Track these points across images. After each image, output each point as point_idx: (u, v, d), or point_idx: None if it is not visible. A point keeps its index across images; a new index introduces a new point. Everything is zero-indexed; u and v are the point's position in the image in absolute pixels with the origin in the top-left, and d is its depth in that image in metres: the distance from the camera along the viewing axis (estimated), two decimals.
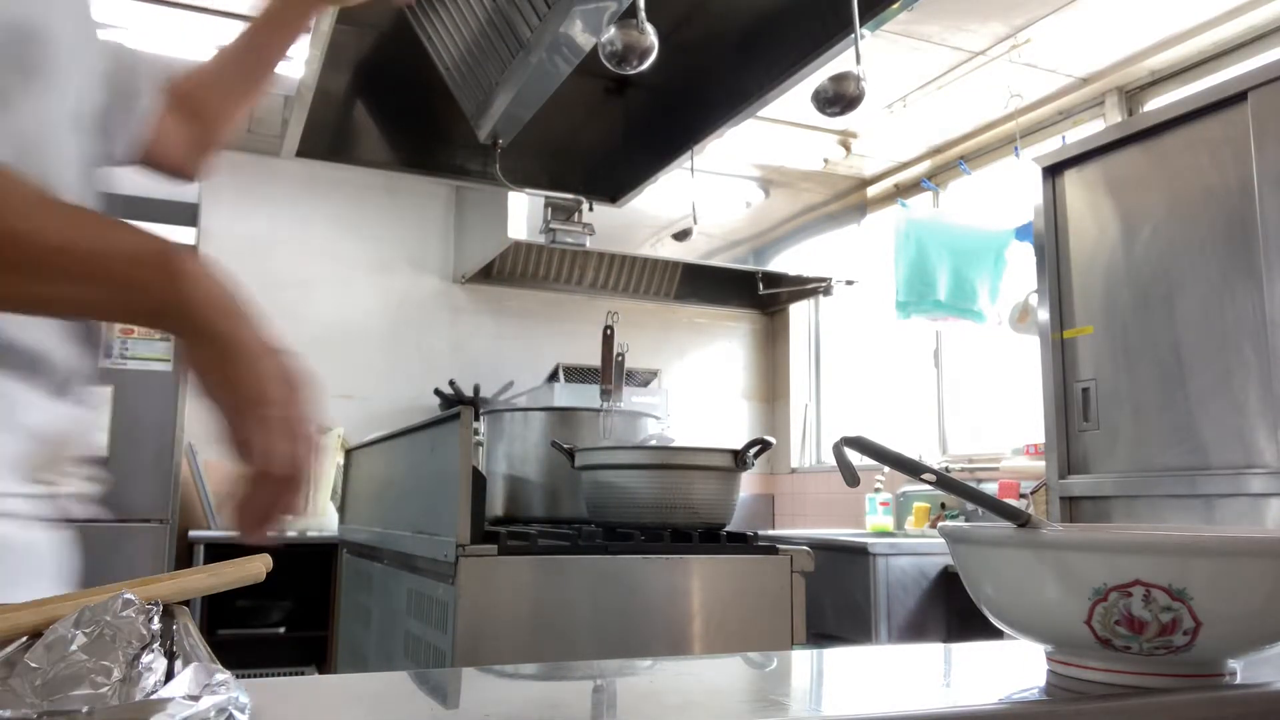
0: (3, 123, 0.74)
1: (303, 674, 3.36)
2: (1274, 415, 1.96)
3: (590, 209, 2.66)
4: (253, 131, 3.70)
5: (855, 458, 0.68)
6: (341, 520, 2.59)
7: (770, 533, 3.18)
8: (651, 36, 1.72)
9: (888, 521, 3.49)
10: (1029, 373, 2.72)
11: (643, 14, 1.70)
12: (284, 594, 3.42)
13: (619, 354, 2.04)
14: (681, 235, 2.47)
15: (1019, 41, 2.99)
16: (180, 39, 2.87)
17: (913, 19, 2.86)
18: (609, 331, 2.04)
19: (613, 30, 1.70)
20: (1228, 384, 2.06)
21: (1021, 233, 3.30)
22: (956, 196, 3.94)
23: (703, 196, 3.08)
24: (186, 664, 0.46)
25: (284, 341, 0.63)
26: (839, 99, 1.79)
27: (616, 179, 2.57)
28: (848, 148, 3.91)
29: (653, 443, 2.05)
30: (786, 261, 4.06)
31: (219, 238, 3.78)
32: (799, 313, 4.68)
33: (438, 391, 3.86)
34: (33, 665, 0.47)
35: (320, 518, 3.45)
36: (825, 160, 4.01)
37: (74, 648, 0.48)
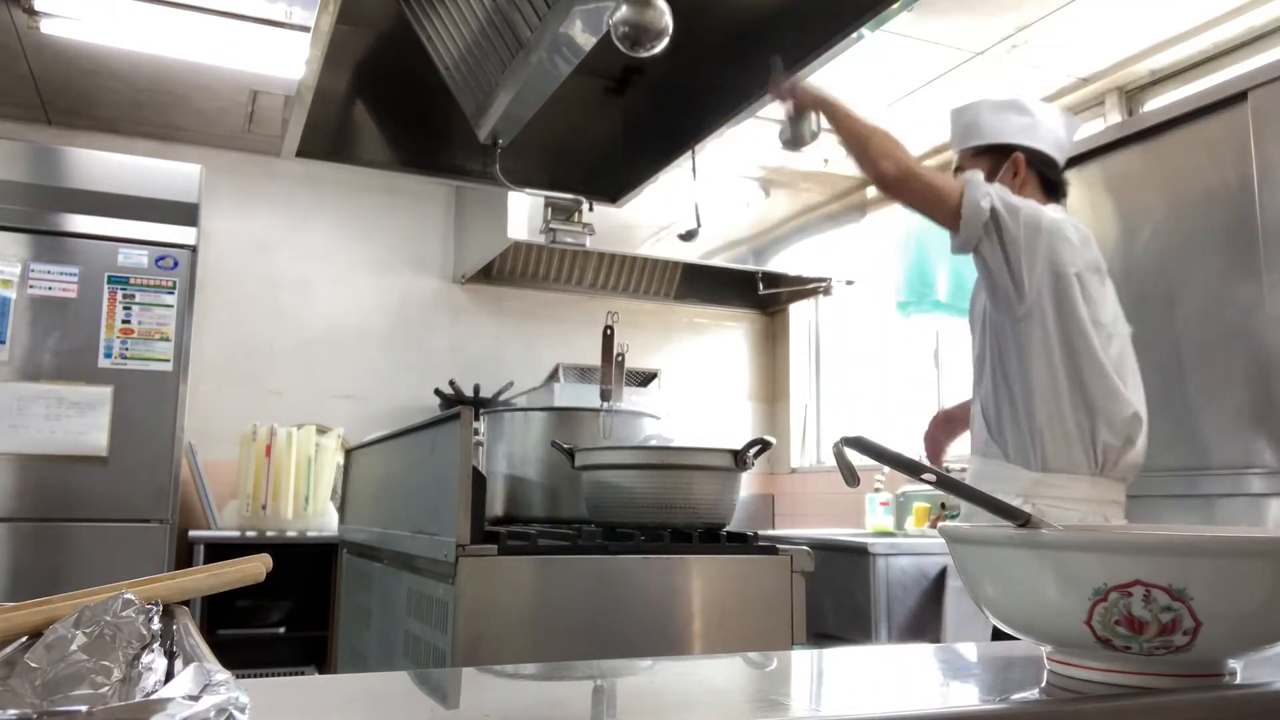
0: None
1: (303, 674, 3.36)
2: (1274, 415, 1.96)
3: (590, 209, 2.66)
4: (253, 131, 3.70)
5: (855, 458, 0.68)
6: (341, 520, 2.59)
7: (770, 533, 3.18)
8: (667, 15, 1.62)
9: (888, 521, 3.49)
10: None
11: None
12: (284, 594, 3.42)
13: (619, 354, 2.04)
14: (688, 236, 2.47)
15: (1019, 41, 2.99)
16: (179, 38, 2.87)
17: (913, 18, 2.85)
18: (609, 331, 2.04)
19: (624, 10, 1.61)
20: (1228, 384, 2.06)
21: None
22: None
23: (703, 197, 3.09)
24: (186, 664, 0.46)
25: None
26: (797, 140, 1.96)
27: (616, 179, 2.56)
28: None
29: (653, 443, 2.05)
30: (786, 261, 4.05)
31: (219, 238, 3.78)
32: (799, 313, 4.68)
33: (438, 391, 3.86)
34: (33, 665, 0.47)
35: (320, 518, 3.45)
36: (825, 160, 4.01)
37: (74, 648, 0.48)
